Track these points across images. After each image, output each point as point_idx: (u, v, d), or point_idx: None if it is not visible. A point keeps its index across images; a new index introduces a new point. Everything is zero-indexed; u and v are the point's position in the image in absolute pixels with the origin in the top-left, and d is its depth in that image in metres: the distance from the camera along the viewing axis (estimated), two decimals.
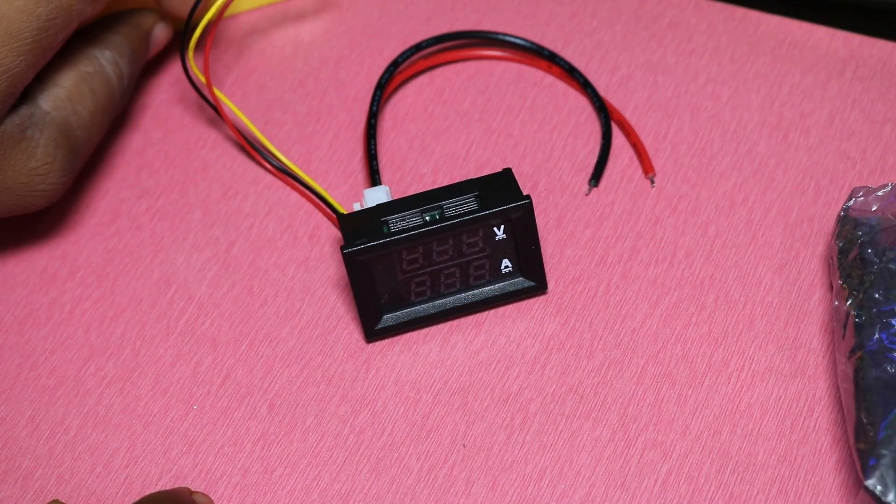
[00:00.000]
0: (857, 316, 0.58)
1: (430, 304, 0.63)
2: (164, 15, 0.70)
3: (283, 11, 0.75)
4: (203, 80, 0.66)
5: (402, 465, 0.60)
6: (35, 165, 0.62)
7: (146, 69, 0.74)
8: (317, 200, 0.68)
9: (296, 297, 0.65)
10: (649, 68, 0.72)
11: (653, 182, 0.67)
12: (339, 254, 0.64)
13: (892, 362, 0.56)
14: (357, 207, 0.64)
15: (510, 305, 0.64)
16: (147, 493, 0.59)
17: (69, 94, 0.65)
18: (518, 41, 0.72)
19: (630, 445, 0.59)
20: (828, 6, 0.72)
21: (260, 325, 0.64)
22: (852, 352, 0.57)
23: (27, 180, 0.62)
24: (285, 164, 0.68)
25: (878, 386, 0.55)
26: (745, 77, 0.71)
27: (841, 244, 0.61)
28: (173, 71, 0.74)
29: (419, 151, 0.70)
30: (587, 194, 0.67)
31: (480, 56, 0.73)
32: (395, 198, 0.64)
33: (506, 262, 0.63)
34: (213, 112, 0.72)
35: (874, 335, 0.57)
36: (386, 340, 0.63)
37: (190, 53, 0.66)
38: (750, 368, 0.61)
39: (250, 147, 0.69)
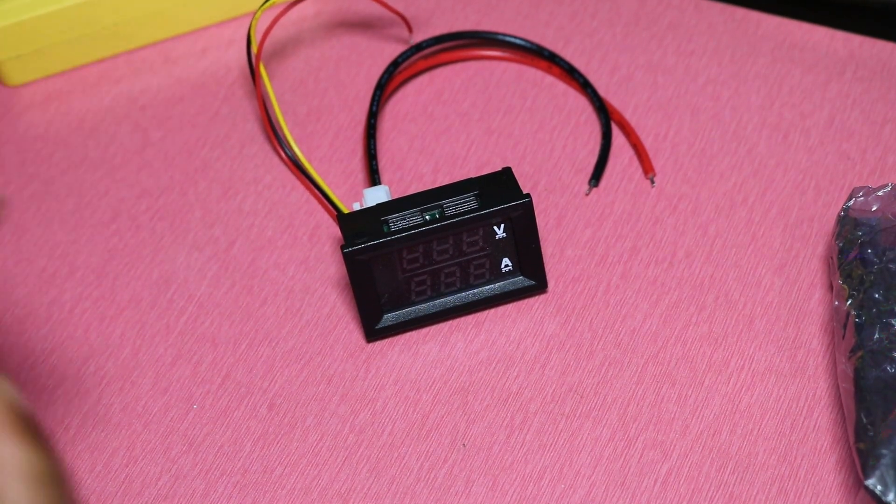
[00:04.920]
0: (858, 316, 0.58)
1: (431, 303, 0.63)
2: None
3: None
4: (255, 49, 0.66)
5: (402, 464, 0.59)
6: None
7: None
8: (320, 196, 0.68)
9: (296, 296, 0.65)
10: (649, 69, 0.72)
11: (653, 182, 0.67)
12: (340, 253, 0.64)
13: (892, 362, 0.56)
14: (357, 207, 0.64)
15: (510, 305, 0.64)
16: (147, 493, 0.59)
17: None
18: (518, 41, 0.72)
19: (630, 445, 0.59)
20: (828, 6, 0.72)
21: (260, 325, 0.64)
22: (852, 352, 0.57)
23: None
24: (296, 155, 0.68)
25: (878, 386, 0.55)
26: (745, 77, 0.71)
27: (841, 244, 0.61)
28: (173, 71, 0.74)
29: (419, 151, 0.70)
30: (587, 194, 0.67)
31: (480, 56, 0.73)
32: (395, 197, 0.64)
33: (506, 261, 0.62)
34: (213, 111, 0.72)
35: (874, 335, 0.57)
36: (386, 340, 0.63)
37: (259, 14, 0.66)
38: (750, 368, 0.61)
39: (270, 129, 0.69)
